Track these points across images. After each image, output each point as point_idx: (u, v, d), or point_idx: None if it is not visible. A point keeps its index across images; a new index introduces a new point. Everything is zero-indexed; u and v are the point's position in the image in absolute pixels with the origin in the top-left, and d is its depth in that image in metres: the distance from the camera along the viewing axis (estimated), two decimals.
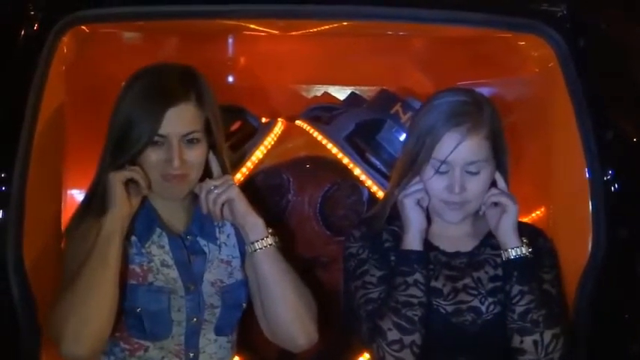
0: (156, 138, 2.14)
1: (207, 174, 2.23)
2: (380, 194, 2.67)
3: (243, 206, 2.19)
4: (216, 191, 2.19)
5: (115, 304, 2.08)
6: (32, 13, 2.31)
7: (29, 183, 2.22)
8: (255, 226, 2.19)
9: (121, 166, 2.14)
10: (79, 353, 2.05)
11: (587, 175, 2.38)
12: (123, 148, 2.14)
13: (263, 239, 2.19)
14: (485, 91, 2.61)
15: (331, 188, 2.72)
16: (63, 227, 2.34)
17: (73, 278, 2.07)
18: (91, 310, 2.04)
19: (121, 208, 2.11)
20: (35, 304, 2.21)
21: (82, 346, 2.05)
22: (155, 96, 2.14)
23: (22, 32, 2.29)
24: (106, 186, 2.13)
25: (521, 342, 2.17)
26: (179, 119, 2.14)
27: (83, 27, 2.41)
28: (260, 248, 2.18)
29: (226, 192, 2.19)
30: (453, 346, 2.22)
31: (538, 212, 2.64)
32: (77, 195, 2.62)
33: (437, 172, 2.18)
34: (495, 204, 2.22)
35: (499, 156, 2.23)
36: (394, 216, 2.28)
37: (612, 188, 2.36)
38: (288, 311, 2.19)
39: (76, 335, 2.04)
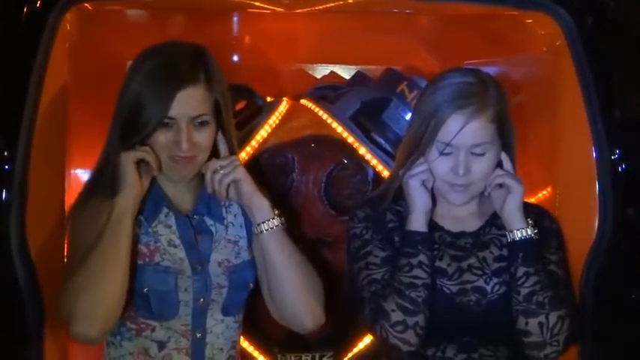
0: (165, 120, 2.12)
1: (214, 154, 2.22)
2: (385, 173, 2.66)
3: (249, 187, 2.19)
4: (222, 172, 2.18)
5: (126, 284, 2.08)
6: None
7: (32, 162, 2.21)
8: (261, 207, 2.18)
9: (132, 146, 2.13)
10: (90, 333, 2.05)
11: (595, 155, 2.37)
12: (132, 129, 2.13)
13: (269, 220, 2.18)
14: (491, 69, 2.60)
15: (336, 167, 2.71)
16: (67, 207, 2.34)
17: (85, 258, 2.07)
18: (103, 290, 2.04)
19: (133, 188, 2.11)
20: (39, 284, 2.21)
21: (94, 326, 2.05)
22: (165, 78, 2.12)
23: (25, 10, 2.27)
24: (118, 166, 2.12)
25: (527, 324, 2.16)
26: (188, 102, 2.13)
27: (86, 4, 2.39)
28: (266, 230, 2.18)
29: (232, 172, 2.18)
30: (457, 326, 2.22)
31: (545, 192, 2.63)
32: (80, 174, 2.61)
33: (441, 154, 2.17)
34: (500, 185, 2.21)
35: (505, 137, 2.21)
36: (398, 196, 2.27)
37: (619, 168, 2.35)
38: (295, 293, 2.19)
39: (88, 315, 2.03)
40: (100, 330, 2.07)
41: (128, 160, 2.11)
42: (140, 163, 2.13)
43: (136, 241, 2.17)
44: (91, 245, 2.08)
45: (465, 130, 2.14)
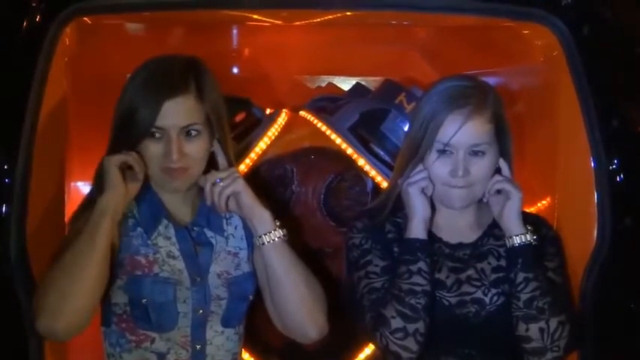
0: (154, 130, 2.13)
1: (212, 166, 2.22)
2: (384, 185, 2.66)
3: (249, 199, 2.19)
4: (221, 184, 2.18)
5: (99, 286, 2.07)
6: (34, 4, 2.30)
7: (32, 175, 2.22)
8: (262, 218, 2.18)
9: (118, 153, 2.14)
10: (54, 328, 2.04)
11: (592, 165, 2.38)
12: (122, 137, 2.14)
13: (271, 232, 2.18)
14: (489, 80, 2.59)
15: (335, 179, 2.71)
16: (67, 219, 2.34)
17: (60, 257, 2.07)
18: (72, 287, 2.03)
19: (114, 190, 2.10)
20: None
21: (59, 321, 2.03)
22: (154, 87, 2.13)
23: (24, 24, 2.29)
24: (102, 170, 2.13)
25: (527, 330, 2.16)
26: (178, 112, 2.13)
27: (85, 18, 2.41)
28: (268, 241, 2.18)
29: (232, 185, 2.18)
30: (456, 338, 2.22)
31: (543, 202, 2.63)
32: (81, 187, 2.62)
33: (440, 155, 2.17)
34: (499, 191, 2.21)
35: (502, 141, 2.22)
36: (397, 207, 2.28)
37: (617, 177, 2.35)
38: (298, 303, 2.19)
39: (54, 310, 2.02)
40: (66, 326, 2.04)
41: (110, 163, 2.11)
42: (126, 168, 2.13)
43: (126, 247, 2.17)
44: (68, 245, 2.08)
45: (463, 130, 2.15)
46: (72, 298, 2.03)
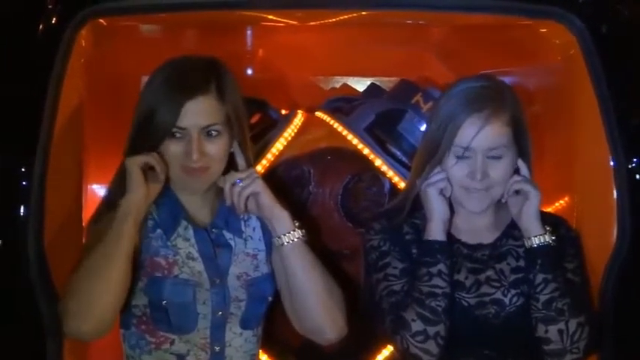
0: (175, 130, 2.13)
1: (231, 166, 2.22)
2: (401, 185, 2.66)
3: (269, 199, 2.19)
4: (240, 184, 2.18)
5: (124, 286, 2.08)
6: (50, 6, 2.31)
7: (49, 177, 2.22)
8: (281, 219, 2.18)
9: (139, 153, 2.14)
10: (82, 329, 2.06)
11: (612, 164, 2.36)
12: (143, 138, 2.15)
13: (290, 232, 2.18)
14: (506, 79, 2.60)
15: (352, 180, 2.71)
16: (84, 222, 2.34)
17: (85, 259, 2.08)
18: (98, 288, 2.04)
19: (137, 192, 2.10)
20: (57, 298, 2.21)
21: (87, 323, 2.05)
22: (175, 88, 2.13)
23: (41, 26, 2.29)
24: (124, 172, 2.13)
25: (546, 331, 2.16)
26: (198, 112, 2.13)
27: (101, 20, 2.41)
28: (288, 242, 2.18)
29: (251, 185, 2.18)
30: (476, 339, 2.21)
31: (562, 202, 2.62)
32: (97, 189, 2.63)
33: (459, 158, 2.16)
34: (517, 192, 2.20)
35: (521, 142, 2.22)
36: (415, 208, 2.27)
37: (637, 176, 2.33)
38: (317, 304, 2.19)
39: (81, 312, 2.04)
40: (93, 327, 2.07)
41: (132, 164, 2.12)
42: (148, 169, 2.14)
43: (146, 248, 2.18)
44: (93, 247, 2.09)
45: (481, 133, 2.14)
46: (99, 300, 2.04)
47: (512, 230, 2.27)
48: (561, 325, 2.15)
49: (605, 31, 2.40)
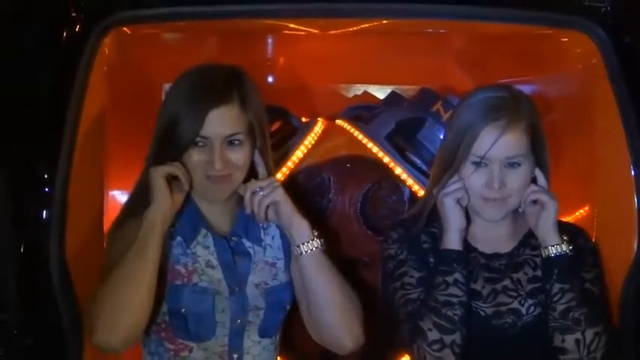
0: (198, 139, 2.14)
1: (251, 175, 2.23)
2: (421, 193, 2.65)
3: (288, 208, 2.19)
4: (261, 193, 2.19)
5: (152, 298, 2.08)
6: (74, 14, 2.33)
7: (71, 184, 2.24)
8: (301, 228, 2.19)
9: (163, 163, 2.15)
10: (112, 343, 2.06)
11: (633, 173, 2.35)
12: (166, 147, 2.16)
13: (309, 242, 2.18)
14: (527, 88, 2.59)
15: (372, 188, 2.71)
16: (105, 229, 2.35)
17: (112, 271, 2.08)
18: (127, 300, 2.04)
19: (162, 202, 2.11)
20: (78, 305, 2.23)
21: (116, 335, 2.05)
22: (198, 97, 2.14)
23: (64, 34, 2.31)
24: (149, 182, 2.14)
25: (563, 341, 2.15)
26: (222, 121, 2.14)
27: (124, 28, 2.43)
28: (306, 251, 2.18)
29: (272, 194, 2.18)
30: (493, 349, 2.21)
31: (582, 211, 2.61)
32: (119, 196, 2.64)
33: (476, 168, 2.17)
34: (535, 201, 2.20)
35: (538, 152, 2.21)
36: (433, 217, 2.27)
37: None
38: (335, 314, 2.19)
39: (111, 324, 2.04)
40: (123, 340, 2.07)
41: (157, 174, 2.12)
42: (172, 179, 2.14)
43: (172, 261, 2.19)
44: (120, 258, 2.09)
45: (499, 143, 2.14)
46: (127, 312, 2.04)
47: (529, 240, 2.27)
48: (578, 335, 2.14)
49: (627, 40, 2.39)
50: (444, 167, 2.23)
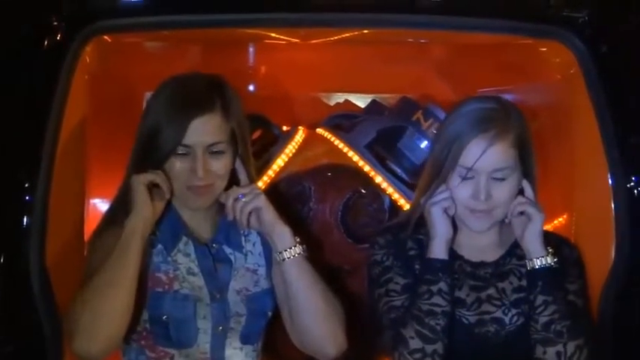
0: (180, 148, 2.15)
1: (233, 182, 2.23)
2: (401, 202, 2.67)
3: (271, 215, 2.20)
4: (243, 200, 2.19)
5: (132, 305, 2.07)
6: (55, 23, 2.32)
7: (52, 192, 2.23)
8: (283, 234, 2.19)
9: (145, 171, 2.15)
10: (90, 350, 2.04)
11: (610, 182, 2.37)
12: (147, 156, 2.16)
13: (291, 248, 2.19)
14: (506, 97, 2.59)
15: (352, 196, 2.71)
16: (86, 237, 2.35)
17: (91, 277, 2.07)
18: (107, 306, 2.03)
19: (143, 210, 2.11)
20: (58, 313, 2.22)
21: (95, 342, 2.03)
22: (180, 105, 2.15)
23: (45, 42, 2.31)
24: (130, 190, 2.14)
25: (544, 352, 2.16)
26: (204, 130, 2.15)
27: (106, 37, 2.43)
28: (288, 257, 2.18)
29: (254, 200, 2.19)
30: (475, 357, 2.22)
31: (561, 219, 2.62)
32: (100, 204, 2.64)
33: (463, 179, 2.17)
34: (521, 213, 2.21)
35: (526, 164, 2.22)
36: (420, 224, 2.27)
37: (635, 194, 2.34)
38: (317, 320, 2.19)
39: (90, 330, 2.03)
40: (101, 347, 2.05)
41: (138, 182, 2.12)
42: (153, 187, 2.14)
43: (152, 268, 2.18)
44: (99, 265, 2.08)
45: (486, 155, 2.15)
46: (106, 319, 2.03)
47: (516, 249, 2.27)
48: (559, 347, 2.15)
49: (604, 50, 2.41)
50: (431, 177, 2.23)
